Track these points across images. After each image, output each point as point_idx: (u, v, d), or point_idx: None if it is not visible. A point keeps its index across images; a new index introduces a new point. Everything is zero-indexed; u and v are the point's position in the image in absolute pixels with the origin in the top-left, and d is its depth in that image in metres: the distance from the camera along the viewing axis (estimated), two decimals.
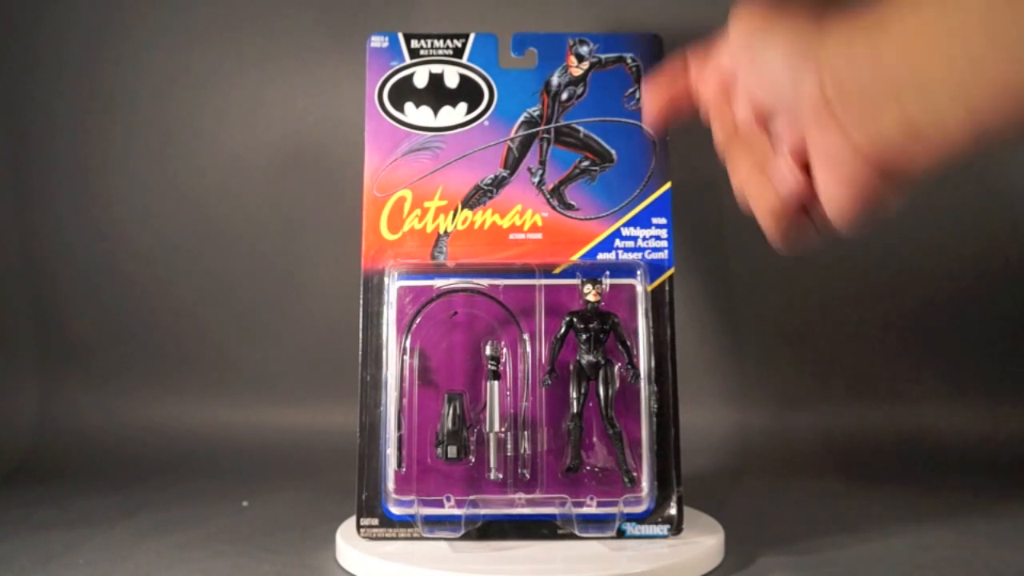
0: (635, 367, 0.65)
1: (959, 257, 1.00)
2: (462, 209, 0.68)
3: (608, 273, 0.66)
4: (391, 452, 0.64)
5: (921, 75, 0.39)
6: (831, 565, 0.63)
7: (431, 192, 0.69)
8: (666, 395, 0.66)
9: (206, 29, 1.00)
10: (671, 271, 0.68)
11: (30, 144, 1.01)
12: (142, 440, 0.96)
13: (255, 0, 1.00)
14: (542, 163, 0.69)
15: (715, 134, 0.54)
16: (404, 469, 0.64)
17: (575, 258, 0.68)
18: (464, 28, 0.72)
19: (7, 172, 1.01)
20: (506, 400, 0.65)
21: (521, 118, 0.70)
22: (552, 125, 0.70)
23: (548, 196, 0.69)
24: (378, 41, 0.71)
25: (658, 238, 0.68)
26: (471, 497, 0.63)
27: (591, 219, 0.68)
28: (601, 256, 0.68)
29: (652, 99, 0.57)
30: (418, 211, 0.68)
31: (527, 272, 0.67)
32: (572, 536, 0.63)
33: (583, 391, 0.65)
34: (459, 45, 0.71)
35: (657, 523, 0.64)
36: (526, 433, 0.64)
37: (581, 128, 0.70)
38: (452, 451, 0.63)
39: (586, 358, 0.65)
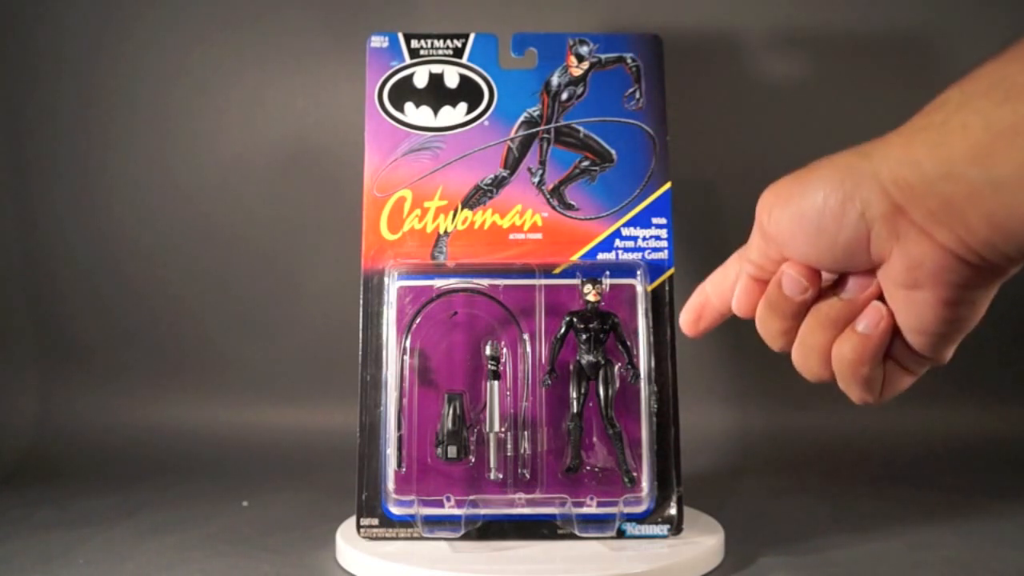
0: (635, 367, 0.65)
1: None
2: (462, 209, 0.68)
3: (608, 273, 0.66)
4: (391, 452, 0.64)
5: (994, 173, 0.37)
6: (831, 565, 0.63)
7: (431, 192, 0.69)
8: (666, 395, 0.66)
9: (206, 29, 1.00)
10: (671, 271, 0.68)
11: (30, 144, 1.01)
12: (142, 440, 0.96)
13: (255, 0, 1.00)
14: (542, 163, 0.69)
15: (769, 332, 0.50)
16: (404, 469, 0.64)
17: (575, 258, 0.68)
18: (464, 28, 0.72)
19: (7, 172, 1.01)
20: (506, 400, 0.65)
21: (521, 118, 0.70)
22: (552, 125, 0.70)
23: (548, 196, 0.69)
24: (378, 41, 0.71)
25: (658, 238, 0.68)
26: (471, 497, 0.63)
27: (591, 219, 0.68)
28: (601, 256, 0.68)
29: (688, 324, 0.56)
30: (418, 211, 0.68)
31: (527, 272, 0.67)
32: (572, 536, 0.63)
33: (583, 391, 0.64)
34: (459, 45, 0.71)
35: (657, 523, 0.64)
36: (526, 433, 0.64)
37: (581, 128, 0.70)
38: (452, 451, 0.63)
39: (586, 358, 0.65)
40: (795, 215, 0.44)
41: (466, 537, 0.63)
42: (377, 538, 0.64)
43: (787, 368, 1.07)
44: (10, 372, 1.00)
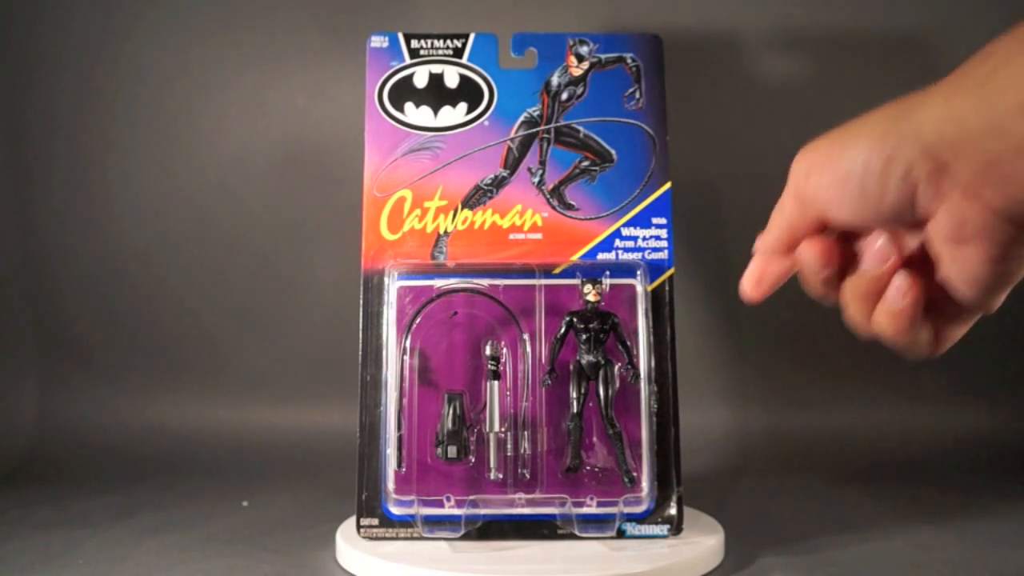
0: (635, 367, 0.65)
1: None
2: (462, 209, 0.68)
3: (608, 273, 0.66)
4: (391, 452, 0.64)
5: None
6: (831, 565, 0.63)
7: (431, 192, 0.69)
8: (666, 395, 0.66)
9: (206, 29, 1.00)
10: (671, 271, 0.67)
11: (30, 144, 1.01)
12: (142, 440, 0.96)
13: (255, 0, 1.00)
14: (542, 163, 0.69)
15: (811, 292, 0.49)
16: (404, 469, 0.64)
17: (575, 258, 0.68)
18: (464, 28, 0.72)
19: (7, 172, 1.01)
20: (506, 400, 0.65)
21: (521, 118, 0.70)
22: (552, 125, 0.70)
23: (548, 196, 0.69)
24: (378, 41, 0.71)
25: (658, 238, 0.68)
26: (471, 497, 0.63)
27: (591, 219, 0.68)
28: (601, 256, 0.68)
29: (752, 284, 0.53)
30: (418, 211, 0.68)
31: (527, 272, 0.67)
32: (572, 536, 0.63)
33: (583, 391, 0.64)
34: (459, 45, 0.71)
35: (657, 523, 0.64)
36: (526, 433, 0.64)
37: (581, 128, 0.70)
38: (452, 451, 0.63)
39: (586, 358, 0.65)
40: (836, 179, 0.43)
41: (466, 537, 0.63)
42: (377, 538, 0.64)
43: (787, 368, 1.08)
44: (10, 372, 1.00)
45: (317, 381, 0.99)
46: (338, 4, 0.99)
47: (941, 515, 0.75)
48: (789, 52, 0.99)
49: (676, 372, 0.66)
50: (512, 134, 0.70)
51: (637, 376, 0.65)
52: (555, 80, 0.70)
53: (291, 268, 1.01)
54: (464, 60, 0.71)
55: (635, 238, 0.68)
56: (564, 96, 0.70)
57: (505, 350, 0.66)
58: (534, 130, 0.70)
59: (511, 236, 0.68)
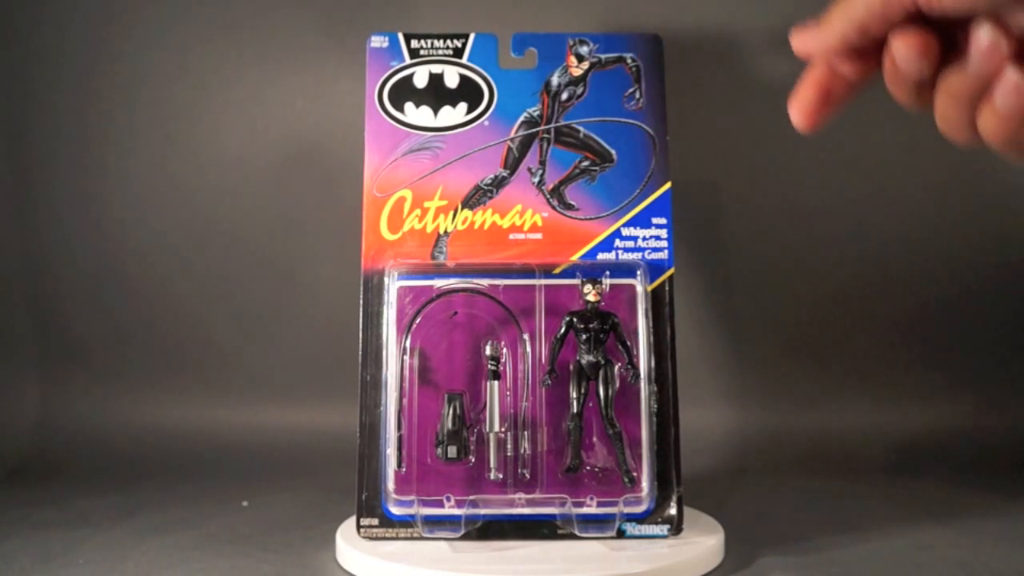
0: (635, 367, 0.65)
1: (960, 257, 1.00)
2: (462, 209, 0.68)
3: (608, 273, 0.66)
4: (391, 452, 0.64)
5: None
6: (831, 565, 0.63)
7: (431, 192, 0.68)
8: (666, 395, 0.66)
9: (206, 29, 1.00)
10: (671, 271, 0.67)
11: (30, 144, 1.01)
12: (142, 440, 0.96)
13: (255, 0, 1.00)
14: (542, 163, 0.69)
15: (901, 99, 0.42)
16: (404, 469, 0.64)
17: (575, 258, 0.68)
18: (464, 28, 0.72)
19: (7, 172, 1.01)
20: (506, 400, 0.65)
21: (521, 118, 0.70)
22: (552, 125, 0.70)
23: (548, 196, 0.69)
24: (378, 41, 0.71)
25: (658, 238, 0.68)
26: (471, 497, 0.63)
27: (591, 219, 0.68)
28: (601, 256, 0.68)
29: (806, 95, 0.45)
30: (418, 211, 0.68)
31: (527, 272, 0.67)
32: (572, 536, 0.63)
33: (583, 391, 0.64)
34: (459, 45, 0.71)
35: (657, 523, 0.64)
36: (526, 433, 0.64)
37: (581, 128, 0.70)
38: (452, 451, 0.63)
39: (586, 358, 0.65)
40: None
41: (466, 537, 0.63)
42: (377, 538, 0.64)
43: (787, 368, 1.08)
44: (10, 372, 1.00)
45: (317, 381, 0.99)
46: (338, 4, 0.99)
47: (941, 514, 0.75)
48: (789, 52, 0.98)
49: (676, 372, 0.66)
50: (512, 134, 0.70)
51: (637, 376, 0.65)
52: (555, 80, 0.70)
53: (291, 268, 1.01)
54: (464, 60, 0.71)
55: (635, 238, 0.68)
56: (564, 96, 0.70)
57: (505, 350, 0.66)
58: (534, 130, 0.70)
59: (511, 236, 0.68)
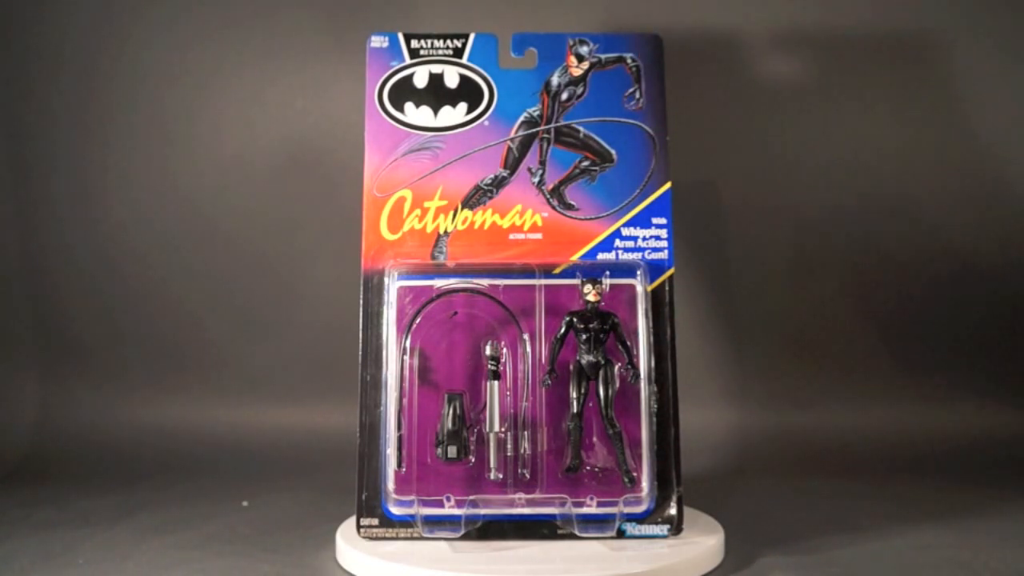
0: (635, 367, 0.65)
1: (961, 257, 1.00)
2: (462, 209, 0.68)
3: (608, 273, 0.66)
4: (391, 452, 0.64)
5: None
6: (831, 565, 0.63)
7: (431, 192, 0.69)
8: (666, 395, 0.66)
9: (206, 29, 1.00)
10: (671, 271, 0.67)
11: (30, 144, 1.01)
12: (142, 440, 0.96)
13: (255, 0, 1.00)
14: (542, 163, 0.69)
15: None
16: (404, 469, 0.64)
17: (575, 258, 0.68)
18: (464, 28, 0.72)
19: (7, 172, 1.01)
20: (506, 400, 0.65)
21: (521, 118, 0.70)
22: (552, 125, 0.70)
23: (548, 196, 0.69)
24: (378, 41, 0.71)
25: (658, 238, 0.68)
26: (471, 497, 0.63)
27: (591, 219, 0.68)
28: (601, 256, 0.68)
29: None
30: (418, 211, 0.68)
31: (527, 272, 0.67)
32: (572, 536, 0.63)
33: (583, 391, 0.64)
34: (459, 45, 0.71)
35: (657, 523, 0.64)
36: (526, 433, 0.64)
37: (581, 128, 0.70)
38: (452, 451, 0.63)
39: (586, 358, 0.65)
40: None
41: (466, 537, 0.63)
42: (377, 538, 0.64)
43: (787, 368, 1.08)
44: (10, 372, 1.00)
45: (317, 381, 0.99)
46: (338, 4, 0.99)
47: (941, 515, 0.75)
48: (789, 52, 0.99)
49: (676, 372, 0.66)
50: (512, 134, 0.70)
51: (637, 376, 0.65)
52: (555, 80, 0.70)
53: (291, 268, 1.01)
54: (464, 60, 0.71)
55: (635, 238, 0.68)
56: (564, 96, 0.70)
57: (505, 350, 0.66)
58: (534, 130, 0.70)
59: (511, 236, 0.68)
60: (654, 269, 0.67)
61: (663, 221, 0.68)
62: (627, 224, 0.68)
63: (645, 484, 0.64)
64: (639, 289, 0.66)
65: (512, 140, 0.69)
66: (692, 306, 0.99)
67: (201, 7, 1.00)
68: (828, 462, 0.93)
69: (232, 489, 0.83)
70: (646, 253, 0.68)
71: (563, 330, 0.65)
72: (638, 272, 0.67)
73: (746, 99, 0.98)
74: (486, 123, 0.70)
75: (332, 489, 0.81)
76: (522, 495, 0.64)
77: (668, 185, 0.69)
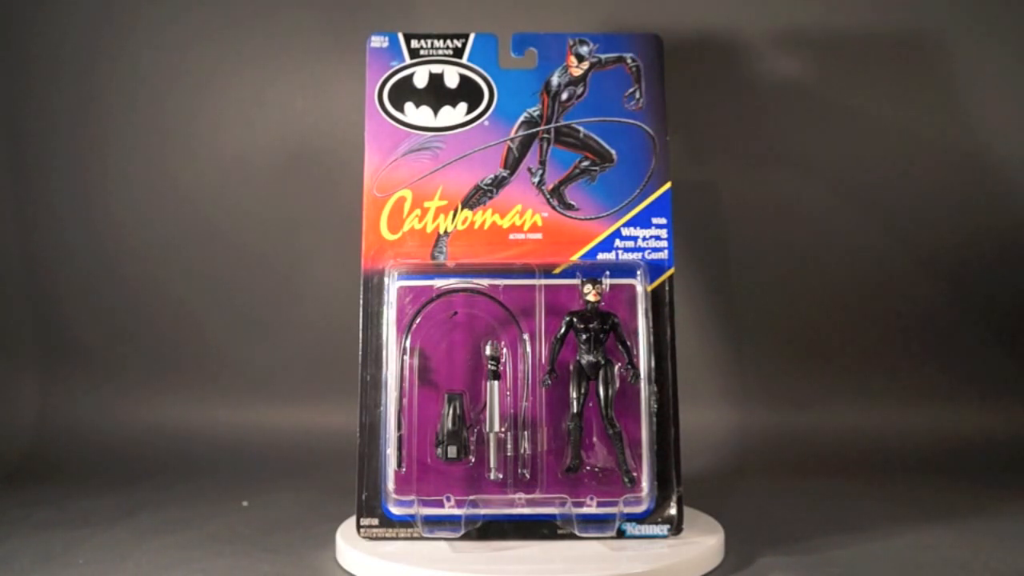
0: (635, 367, 0.65)
1: (961, 257, 1.00)
2: (462, 209, 0.68)
3: (608, 273, 0.66)
4: (391, 452, 0.64)
5: None
6: (831, 565, 0.63)
7: (431, 192, 0.69)
8: (666, 395, 0.66)
9: (205, 29, 1.00)
10: (671, 271, 0.67)
11: (29, 144, 1.01)
12: (142, 440, 0.96)
13: (255, 0, 1.00)
14: (542, 163, 0.69)
15: None
16: (404, 469, 0.64)
17: (575, 258, 0.68)
18: (464, 28, 0.72)
19: (7, 172, 1.01)
20: (506, 400, 0.65)
21: (521, 118, 0.70)
22: (552, 125, 0.70)
23: (548, 196, 0.69)
24: (378, 41, 0.71)
25: (658, 238, 0.68)
26: (471, 497, 0.63)
27: (591, 219, 0.68)
28: (601, 256, 0.68)
29: None
30: (418, 211, 0.68)
31: (527, 272, 0.67)
32: (572, 536, 0.63)
33: (583, 391, 0.64)
34: (459, 45, 0.71)
35: (657, 523, 0.64)
36: (526, 433, 0.64)
37: (581, 128, 0.70)
38: (452, 451, 0.63)
39: (586, 358, 0.65)
40: None
41: (466, 537, 0.63)
42: (377, 538, 0.64)
43: (787, 368, 1.08)
44: (10, 372, 1.00)
45: (317, 381, 0.99)
46: (338, 4, 0.99)
47: (941, 515, 0.75)
48: (789, 52, 0.99)
49: (676, 372, 0.66)
50: (512, 134, 0.70)
51: (637, 376, 0.65)
52: (555, 80, 0.70)
53: (291, 268, 1.01)
54: (464, 60, 0.71)
55: (635, 238, 0.68)
56: (564, 96, 0.70)
57: (505, 350, 0.66)
58: (534, 130, 0.70)
59: (511, 236, 0.68)
60: (654, 269, 0.67)
61: (663, 221, 0.68)
62: (627, 224, 0.68)
63: (645, 484, 0.64)
64: (639, 289, 0.66)
65: (512, 140, 0.69)
66: (692, 306, 0.99)
67: (201, 7, 1.00)
68: (828, 462, 0.93)
69: (232, 489, 0.83)
70: (646, 253, 0.68)
71: (563, 330, 0.65)
72: (638, 272, 0.67)
73: (746, 99, 0.98)
74: (486, 123, 0.70)
75: (332, 489, 0.81)
76: (522, 495, 0.64)
77: (668, 185, 0.69)
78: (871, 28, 0.98)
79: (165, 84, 1.00)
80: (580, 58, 0.70)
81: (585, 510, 0.63)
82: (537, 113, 0.70)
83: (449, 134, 0.69)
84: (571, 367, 0.65)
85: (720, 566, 0.63)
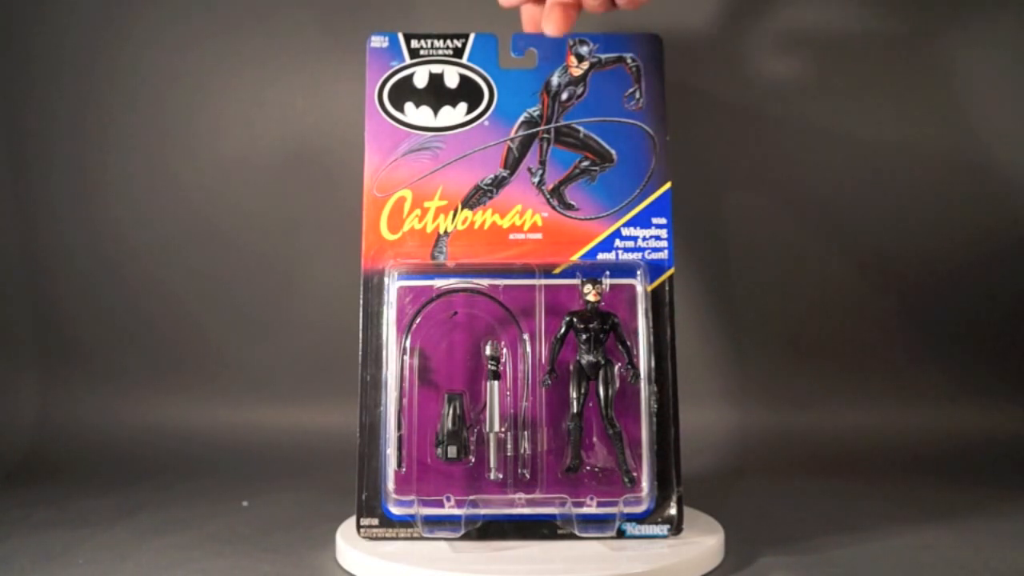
0: (635, 367, 0.65)
1: (961, 257, 1.00)
2: (462, 209, 0.68)
3: (608, 273, 0.66)
4: (391, 452, 0.64)
5: None
6: (831, 565, 0.63)
7: (431, 192, 0.69)
8: (666, 395, 0.66)
9: (205, 29, 1.00)
10: (671, 271, 0.67)
11: (30, 144, 1.01)
12: (142, 440, 0.96)
13: (255, 0, 1.00)
14: (542, 163, 0.69)
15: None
16: (404, 469, 0.64)
17: (575, 258, 0.68)
18: (464, 28, 0.72)
19: (7, 172, 1.01)
20: (506, 400, 0.65)
21: (521, 118, 0.70)
22: (552, 125, 0.70)
23: (548, 196, 0.69)
24: (378, 41, 0.71)
25: (658, 238, 0.68)
26: (471, 497, 0.63)
27: (591, 219, 0.68)
28: (601, 256, 0.68)
29: None
30: (418, 211, 0.68)
31: (527, 272, 0.67)
32: (572, 536, 0.63)
33: (583, 391, 0.64)
34: (459, 45, 0.71)
35: (657, 523, 0.64)
36: (526, 433, 0.64)
37: (581, 128, 0.70)
38: (452, 451, 0.63)
39: (586, 358, 0.65)
40: None
41: (466, 537, 0.63)
42: (377, 538, 0.64)
43: (787, 368, 1.08)
44: (10, 372, 1.00)
45: (317, 381, 0.99)
46: (338, 4, 0.99)
47: (941, 514, 0.75)
48: (789, 52, 0.99)
49: (676, 372, 0.66)
50: (512, 134, 0.70)
51: (637, 376, 0.65)
52: (555, 80, 0.70)
53: (291, 268, 1.01)
54: (464, 60, 0.71)
55: (635, 238, 0.68)
56: (564, 96, 0.70)
57: (505, 350, 0.66)
58: (534, 130, 0.70)
59: (511, 236, 0.68)
60: (654, 269, 0.67)
61: (663, 221, 0.68)
62: (627, 224, 0.68)
63: (645, 484, 0.64)
64: (639, 289, 0.66)
65: (512, 140, 0.69)
66: (692, 306, 0.99)
67: (201, 7, 1.00)
68: (828, 462, 0.93)
69: (232, 489, 0.83)
70: (646, 253, 0.68)
71: (563, 330, 0.65)
72: (638, 272, 0.67)
73: (746, 99, 0.98)
74: (486, 123, 0.70)
75: (332, 489, 0.81)
76: (522, 495, 0.64)
77: (668, 185, 0.69)
78: (871, 28, 0.98)
79: (165, 84, 1.00)
80: (580, 58, 0.70)
81: (585, 510, 0.63)
82: (537, 113, 0.70)
83: (449, 134, 0.69)
84: (571, 367, 0.65)
85: (720, 566, 0.63)
